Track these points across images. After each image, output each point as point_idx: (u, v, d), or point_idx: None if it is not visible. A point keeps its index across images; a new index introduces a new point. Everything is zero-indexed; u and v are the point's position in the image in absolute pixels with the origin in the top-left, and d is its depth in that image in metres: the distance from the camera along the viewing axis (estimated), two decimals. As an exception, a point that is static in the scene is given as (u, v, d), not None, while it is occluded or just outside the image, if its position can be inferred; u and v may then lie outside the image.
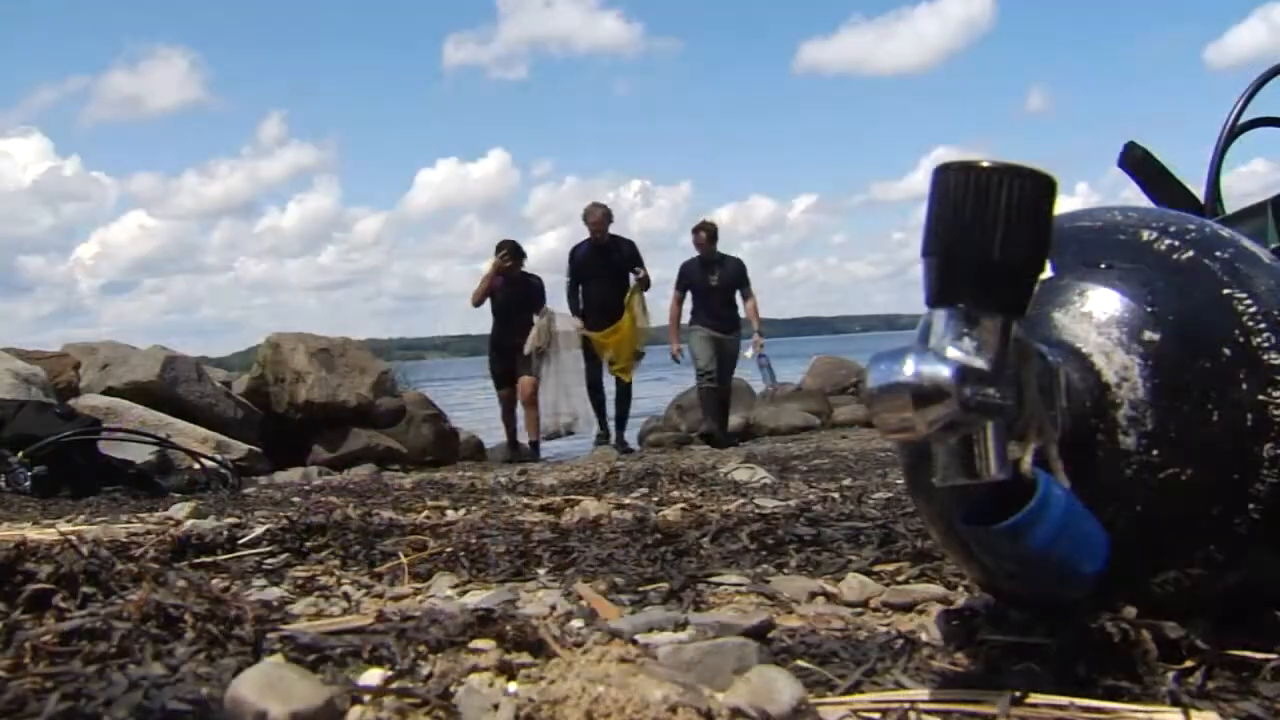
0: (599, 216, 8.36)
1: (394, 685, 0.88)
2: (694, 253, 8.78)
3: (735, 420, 9.16)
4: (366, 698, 0.83)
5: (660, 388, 12.38)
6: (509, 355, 8.11)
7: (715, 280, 8.61)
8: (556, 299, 8.54)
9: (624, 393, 8.50)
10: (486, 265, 8.36)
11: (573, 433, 8.22)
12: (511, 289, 8.21)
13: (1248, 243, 0.97)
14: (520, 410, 8.15)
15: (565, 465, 6.17)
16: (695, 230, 8.73)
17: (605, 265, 8.36)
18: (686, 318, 8.75)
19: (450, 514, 2.51)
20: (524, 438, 8.17)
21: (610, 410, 8.56)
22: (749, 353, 8.83)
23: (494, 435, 7.94)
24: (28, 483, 3.85)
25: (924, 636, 1.05)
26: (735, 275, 8.68)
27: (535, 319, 8.09)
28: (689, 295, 8.68)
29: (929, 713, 0.81)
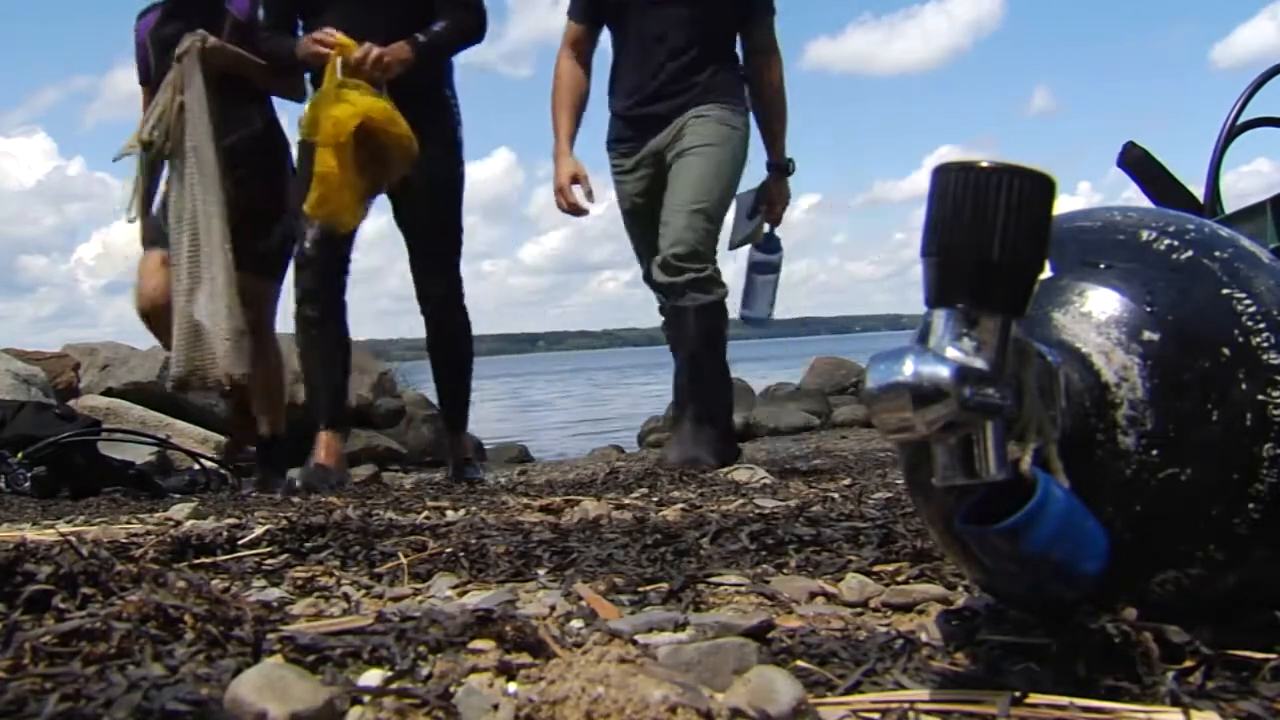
0: None
1: (394, 686, 0.88)
2: None
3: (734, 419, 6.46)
4: (366, 698, 0.83)
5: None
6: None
7: None
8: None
9: (441, 336, 3.96)
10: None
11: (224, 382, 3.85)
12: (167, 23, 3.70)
13: (1248, 243, 0.97)
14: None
15: (565, 465, 6.16)
16: None
17: None
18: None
19: (450, 514, 2.51)
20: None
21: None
22: (752, 228, 3.76)
23: (494, 435, 7.18)
24: (27, 483, 3.85)
25: (924, 636, 1.05)
26: None
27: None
28: (603, 40, 3.75)
29: (929, 713, 0.81)
